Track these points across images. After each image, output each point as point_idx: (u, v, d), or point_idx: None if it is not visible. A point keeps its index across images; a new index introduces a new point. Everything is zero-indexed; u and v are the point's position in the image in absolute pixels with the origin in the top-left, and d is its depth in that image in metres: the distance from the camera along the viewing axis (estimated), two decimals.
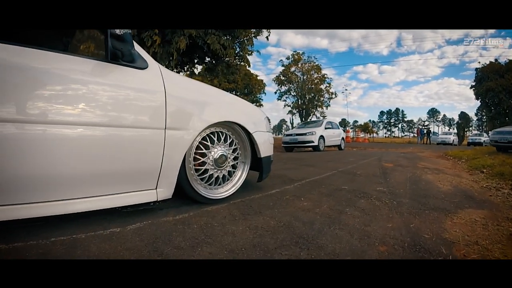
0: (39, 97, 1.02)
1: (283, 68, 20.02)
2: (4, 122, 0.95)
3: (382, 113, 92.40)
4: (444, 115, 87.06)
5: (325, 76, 20.32)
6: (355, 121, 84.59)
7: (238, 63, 8.76)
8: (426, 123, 74.13)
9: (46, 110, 1.03)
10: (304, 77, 19.88)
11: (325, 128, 9.25)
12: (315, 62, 20.06)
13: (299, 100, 20.48)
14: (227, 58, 6.89)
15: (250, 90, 19.77)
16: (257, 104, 21.01)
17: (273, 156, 2.23)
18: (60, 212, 1.11)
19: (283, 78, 20.37)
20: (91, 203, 1.19)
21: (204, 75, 8.55)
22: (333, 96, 20.48)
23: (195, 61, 7.74)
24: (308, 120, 13.62)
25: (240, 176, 1.91)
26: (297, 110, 20.48)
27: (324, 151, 8.40)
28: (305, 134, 8.63)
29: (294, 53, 19.88)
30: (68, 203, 1.13)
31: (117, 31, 1.16)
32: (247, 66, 8.75)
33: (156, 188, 1.39)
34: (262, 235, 1.26)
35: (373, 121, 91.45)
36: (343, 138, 10.38)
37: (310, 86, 19.98)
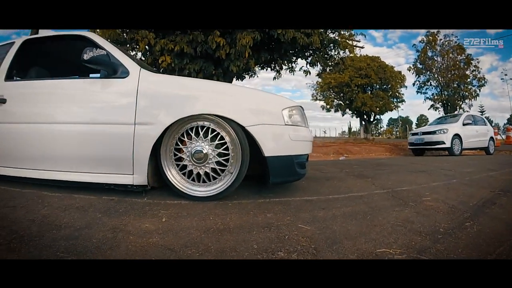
0: (57, 107, 1.77)
1: (418, 53, 15.61)
2: (40, 123, 1.76)
3: None
4: None
5: (470, 57, 14.13)
6: None
7: (343, 53, 7.42)
8: None
9: (60, 115, 1.75)
10: (444, 61, 14.82)
11: (463, 124, 6.81)
12: (455, 41, 14.48)
13: (442, 91, 15.27)
14: (313, 47, 5.98)
15: (388, 84, 16.88)
16: (398, 100, 17.68)
17: (305, 156, 1.83)
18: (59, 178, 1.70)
19: (420, 65, 15.83)
20: (88, 176, 1.66)
21: (307, 70, 7.78)
22: (483, 82, 14.17)
23: (293, 57, 7.26)
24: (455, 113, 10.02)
25: (232, 177, 1.64)
26: (440, 103, 15.39)
27: (458, 156, 6.16)
28: (433, 132, 6.62)
29: (428, 33, 15.01)
30: (68, 174, 1.69)
31: (84, 56, 1.55)
32: (350, 54, 7.30)
33: (133, 174, 1.60)
34: None
35: None
36: (492, 138, 7.50)
37: (453, 72, 14.53)
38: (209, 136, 1.62)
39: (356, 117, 18.95)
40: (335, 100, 18.57)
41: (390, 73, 16.46)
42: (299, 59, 7.52)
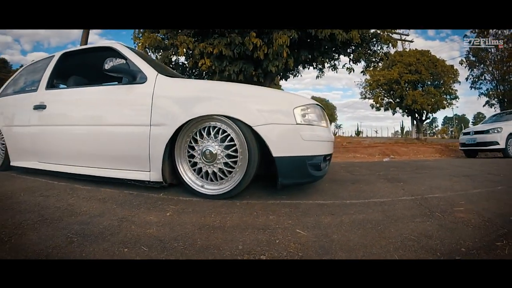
0: (86, 111, 2.03)
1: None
2: (72, 125, 2.05)
3: None
4: None
5: None
6: None
7: (386, 47, 6.86)
8: None
9: (89, 118, 1.99)
10: (498, 52, 12.72)
11: None
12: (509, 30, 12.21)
13: (497, 86, 13.15)
14: (354, 43, 5.62)
15: (440, 80, 15.27)
16: (452, 97, 15.86)
17: (320, 157, 1.72)
18: (91, 174, 1.96)
19: (473, 58, 13.83)
20: (112, 172, 1.88)
21: (350, 67, 7.36)
22: None
23: (334, 54, 6.94)
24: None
25: (239, 177, 1.64)
26: (496, 99, 13.29)
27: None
28: (486, 131, 5.95)
29: None
30: (97, 169, 1.94)
31: (105, 66, 1.73)
32: (393, 48, 6.70)
33: (149, 171, 1.75)
34: None
35: None
36: None
37: (508, 64, 12.38)
38: (220, 136, 1.65)
39: (407, 115, 17.40)
40: (385, 98, 17.34)
41: (441, 67, 14.89)
42: (342, 56, 7.19)
